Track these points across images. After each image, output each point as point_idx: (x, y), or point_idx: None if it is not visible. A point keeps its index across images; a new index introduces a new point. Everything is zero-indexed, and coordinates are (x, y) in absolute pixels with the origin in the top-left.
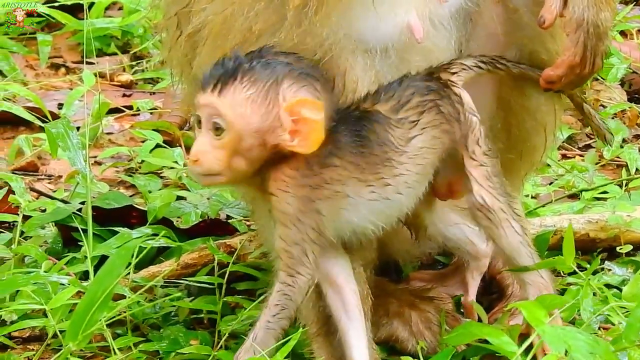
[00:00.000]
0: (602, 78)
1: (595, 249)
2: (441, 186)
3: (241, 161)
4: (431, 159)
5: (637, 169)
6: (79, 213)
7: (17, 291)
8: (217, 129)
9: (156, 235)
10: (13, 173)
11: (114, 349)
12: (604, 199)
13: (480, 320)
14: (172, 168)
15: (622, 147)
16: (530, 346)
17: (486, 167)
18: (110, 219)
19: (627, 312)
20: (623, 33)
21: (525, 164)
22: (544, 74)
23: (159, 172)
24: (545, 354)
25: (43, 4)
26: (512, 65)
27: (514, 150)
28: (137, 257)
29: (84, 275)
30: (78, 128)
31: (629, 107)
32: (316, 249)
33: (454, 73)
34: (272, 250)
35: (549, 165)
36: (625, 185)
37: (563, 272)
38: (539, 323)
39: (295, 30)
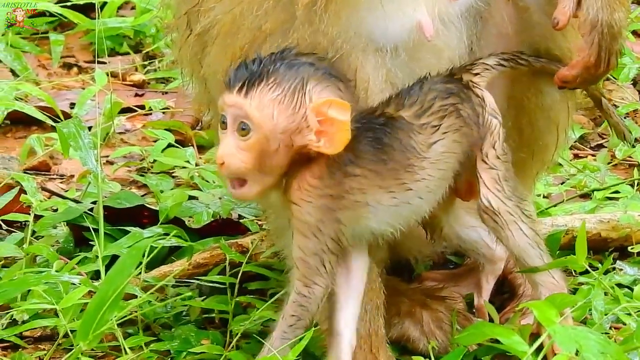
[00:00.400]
0: (614, 78)
1: (607, 248)
2: (462, 187)
3: (268, 164)
4: (452, 163)
5: None
6: (90, 213)
7: (29, 291)
8: (244, 130)
9: (167, 235)
10: (25, 173)
11: (125, 349)
12: (616, 199)
13: (491, 320)
14: (184, 168)
15: (634, 146)
16: (542, 346)
17: (496, 171)
18: (122, 218)
19: (638, 311)
20: (635, 33)
21: (537, 163)
22: (558, 73)
23: (171, 171)
24: (556, 354)
25: (55, 3)
26: (533, 59)
27: (525, 149)
28: (148, 256)
29: (96, 275)
30: (90, 128)
31: None
32: (333, 258)
33: (476, 74)
34: (288, 257)
35: (560, 164)
36: (637, 185)
37: (574, 271)
38: (550, 323)
39: (306, 29)
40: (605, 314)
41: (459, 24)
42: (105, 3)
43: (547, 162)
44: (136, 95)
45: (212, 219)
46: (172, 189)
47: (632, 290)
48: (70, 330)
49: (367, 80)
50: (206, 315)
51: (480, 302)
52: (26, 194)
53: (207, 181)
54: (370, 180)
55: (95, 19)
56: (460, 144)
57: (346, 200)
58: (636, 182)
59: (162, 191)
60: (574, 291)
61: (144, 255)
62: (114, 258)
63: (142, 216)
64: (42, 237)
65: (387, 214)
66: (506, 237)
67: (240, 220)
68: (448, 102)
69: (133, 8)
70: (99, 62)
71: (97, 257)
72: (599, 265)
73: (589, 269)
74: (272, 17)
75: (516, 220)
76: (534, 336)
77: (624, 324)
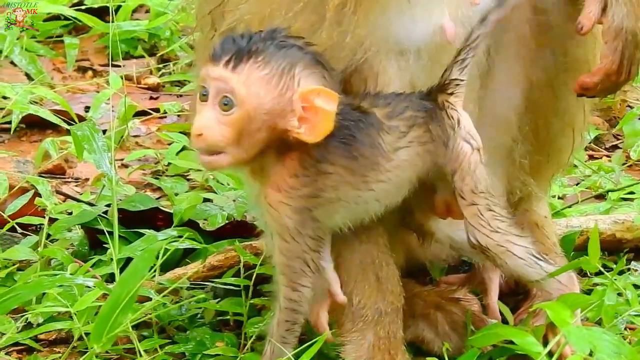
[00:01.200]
0: None
1: (622, 249)
2: (439, 205)
3: (246, 142)
4: (410, 174)
5: None
6: (105, 216)
7: (44, 294)
8: (226, 105)
9: (182, 237)
10: (40, 176)
11: (139, 351)
12: (631, 200)
13: (505, 321)
14: (198, 170)
15: None
16: (556, 347)
17: (476, 206)
18: (136, 221)
19: None
20: None
21: (553, 165)
22: (579, 80)
23: (186, 174)
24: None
25: (70, 7)
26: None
27: (541, 152)
28: (162, 259)
29: (110, 278)
30: (105, 131)
31: None
32: (315, 256)
33: (450, 94)
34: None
35: (575, 166)
36: None
37: (589, 272)
38: (564, 323)
39: (335, 29)
40: (620, 315)
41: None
42: (119, 6)
43: (562, 165)
44: (151, 98)
45: (227, 222)
46: (186, 192)
47: None
48: (85, 333)
49: (389, 83)
50: (221, 318)
51: (488, 301)
52: (41, 197)
53: (222, 184)
54: (342, 177)
55: (110, 22)
56: (423, 159)
57: (321, 198)
58: None
59: (176, 194)
60: (588, 292)
61: (158, 258)
62: (128, 261)
63: (157, 219)
64: (57, 240)
65: (349, 211)
66: (500, 264)
67: (255, 223)
68: (419, 114)
69: (148, 11)
70: (113, 66)
71: (111, 259)
72: (614, 266)
73: (602, 270)
74: (301, 18)
75: (508, 249)
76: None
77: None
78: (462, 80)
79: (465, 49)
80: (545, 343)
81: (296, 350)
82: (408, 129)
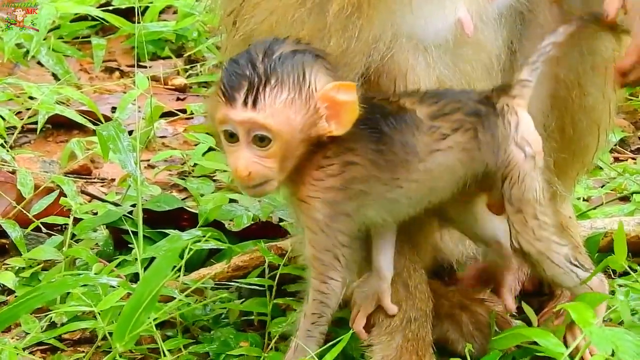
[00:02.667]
0: None
1: None
2: (496, 201)
3: (288, 163)
4: (447, 179)
5: None
6: (130, 216)
7: (68, 294)
8: (262, 141)
9: (206, 237)
10: (66, 176)
11: (163, 351)
12: None
13: (529, 321)
14: (224, 171)
15: None
16: (578, 347)
17: (523, 214)
18: (162, 221)
19: None
20: None
21: (577, 164)
22: (616, 67)
23: (212, 175)
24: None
25: (97, 7)
26: (564, 29)
27: (566, 150)
28: (186, 259)
29: (135, 278)
30: (131, 132)
31: None
32: (346, 251)
33: (514, 96)
34: (302, 255)
35: (600, 168)
36: None
37: (613, 273)
38: (587, 324)
39: (340, 35)
40: None
41: (498, 22)
42: (147, 7)
43: (587, 164)
44: (178, 99)
45: (252, 222)
46: (212, 193)
47: None
48: (109, 333)
49: (418, 81)
50: (245, 318)
51: (502, 294)
52: (66, 197)
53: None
54: (368, 170)
55: (139, 23)
56: (465, 166)
57: (349, 190)
58: None
59: (202, 194)
60: (612, 293)
61: (182, 258)
62: (152, 261)
63: (182, 219)
64: (82, 240)
65: (382, 207)
66: (539, 270)
67: (280, 223)
68: (469, 119)
69: (175, 12)
70: (140, 66)
71: (136, 259)
72: (638, 267)
73: (628, 269)
74: (307, 25)
75: (548, 257)
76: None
77: None
78: (530, 82)
79: (538, 52)
80: (565, 343)
81: (320, 349)
82: (451, 131)
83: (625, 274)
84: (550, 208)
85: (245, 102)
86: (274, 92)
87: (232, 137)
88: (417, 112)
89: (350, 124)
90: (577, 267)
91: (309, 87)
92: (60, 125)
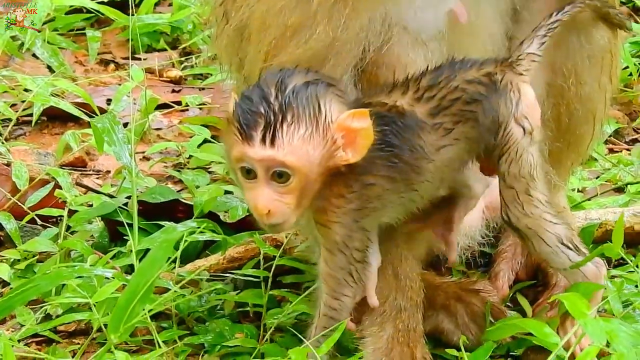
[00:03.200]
0: None
1: None
2: (485, 165)
3: (307, 196)
4: (455, 166)
5: None
6: (125, 207)
7: (63, 285)
8: (281, 177)
9: (201, 229)
10: (61, 168)
11: (158, 343)
12: None
13: (524, 311)
14: (220, 163)
15: None
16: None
17: (515, 190)
18: (157, 213)
19: None
20: None
21: (572, 154)
22: None
23: (207, 167)
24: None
25: (92, 0)
26: (570, 8)
27: (562, 139)
28: (181, 250)
29: (130, 269)
30: (126, 124)
31: None
32: (360, 267)
33: (521, 73)
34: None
35: (595, 159)
36: None
37: (608, 264)
38: (581, 314)
39: (327, 24)
40: (637, 307)
41: (494, 9)
42: (142, 0)
43: (582, 154)
44: (173, 91)
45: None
46: (208, 184)
47: None
48: (104, 325)
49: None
50: (240, 309)
51: (450, 237)
52: (61, 189)
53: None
54: (383, 186)
55: (133, 15)
56: (469, 151)
57: (367, 209)
58: None
59: (197, 186)
60: None
61: (177, 249)
62: (148, 252)
63: (177, 211)
64: (77, 232)
65: (395, 210)
66: (528, 246)
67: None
68: (469, 108)
69: (170, 4)
70: (135, 59)
71: (131, 251)
72: (632, 258)
73: (625, 257)
74: (295, 13)
75: (538, 233)
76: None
77: None
78: (539, 57)
79: (546, 27)
80: (559, 333)
81: (314, 338)
82: (454, 125)
83: (619, 264)
84: (544, 185)
85: (263, 140)
86: (292, 128)
87: (249, 173)
88: (417, 112)
89: (366, 149)
90: (570, 249)
91: (325, 119)
92: (55, 118)
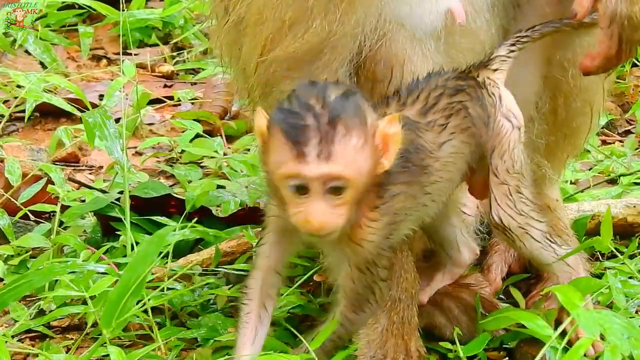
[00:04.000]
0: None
1: (633, 233)
2: (477, 185)
3: (354, 206)
4: (460, 164)
5: None
6: (117, 203)
7: (56, 281)
8: (337, 189)
9: (194, 224)
10: (54, 164)
11: (155, 336)
12: None
13: (517, 304)
14: (212, 157)
15: None
16: (566, 330)
17: (507, 186)
18: (149, 208)
19: None
20: None
21: (568, 147)
22: (580, 63)
23: (200, 161)
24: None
25: None
26: (540, 28)
27: (558, 132)
28: (174, 245)
29: (123, 265)
30: (119, 120)
31: None
32: (383, 285)
33: (495, 70)
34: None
35: (588, 151)
36: None
37: (601, 256)
38: (574, 307)
39: (323, 18)
40: (632, 298)
41: (491, 10)
42: None
43: (577, 147)
44: (165, 86)
45: (240, 208)
46: (200, 179)
47: None
48: (99, 319)
49: (415, 70)
50: (233, 304)
51: (422, 299)
52: (54, 184)
53: (235, 170)
54: (405, 193)
55: (124, 10)
56: (469, 144)
57: (395, 223)
58: None
59: (190, 181)
60: (599, 276)
61: (171, 244)
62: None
63: (169, 206)
64: (70, 227)
65: (413, 220)
66: (518, 247)
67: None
68: (455, 99)
69: (162, 0)
70: (127, 54)
71: (124, 246)
72: (625, 249)
73: (615, 251)
74: (292, 7)
75: (527, 231)
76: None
77: None
78: (508, 58)
79: (520, 34)
80: (557, 326)
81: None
82: (447, 119)
83: (613, 256)
84: (530, 183)
85: (318, 157)
86: (345, 140)
87: (300, 189)
88: (408, 114)
89: (395, 155)
90: (554, 243)
91: (369, 127)
92: (48, 114)
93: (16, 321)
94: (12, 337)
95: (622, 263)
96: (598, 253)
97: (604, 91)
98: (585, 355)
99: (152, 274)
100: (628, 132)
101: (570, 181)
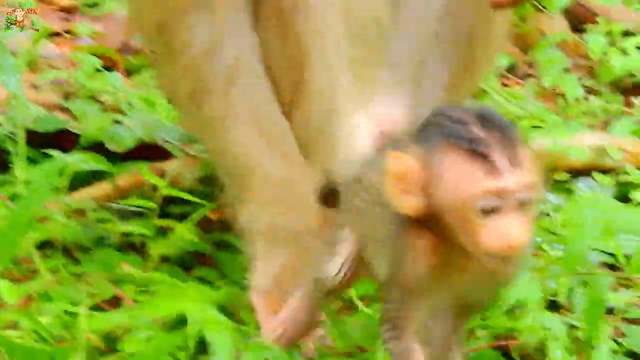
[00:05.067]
0: (544, 8)
1: None
2: None
3: None
4: None
5: (576, 98)
6: (13, 137)
7: None
8: (526, 204)
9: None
10: None
11: (41, 271)
12: (541, 128)
13: None
14: (111, 93)
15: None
16: None
17: None
18: (45, 143)
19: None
20: None
21: (467, 82)
22: None
23: (98, 96)
24: None
25: None
26: None
27: (458, 65)
28: (67, 179)
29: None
30: (16, 53)
31: (571, 38)
32: None
33: None
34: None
35: (488, 93)
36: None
37: None
38: None
39: None
40: None
41: None
42: None
43: (477, 81)
44: (65, 20)
45: (136, 144)
46: (97, 114)
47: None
48: None
49: None
50: (126, 239)
51: None
52: None
53: (134, 106)
54: None
55: None
56: None
57: None
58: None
59: (87, 116)
60: None
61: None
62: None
63: (66, 140)
64: None
65: None
66: None
67: (164, 145)
68: None
69: None
70: None
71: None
72: None
73: None
74: None
75: None
76: None
77: (545, 250)
78: None
79: None
80: None
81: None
82: None
83: None
84: None
85: (511, 166)
86: (523, 147)
87: (490, 211)
88: None
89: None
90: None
91: None
92: None
93: None
94: None
95: None
96: None
97: (508, 25)
98: None
99: (44, 207)
100: (529, 76)
101: None
